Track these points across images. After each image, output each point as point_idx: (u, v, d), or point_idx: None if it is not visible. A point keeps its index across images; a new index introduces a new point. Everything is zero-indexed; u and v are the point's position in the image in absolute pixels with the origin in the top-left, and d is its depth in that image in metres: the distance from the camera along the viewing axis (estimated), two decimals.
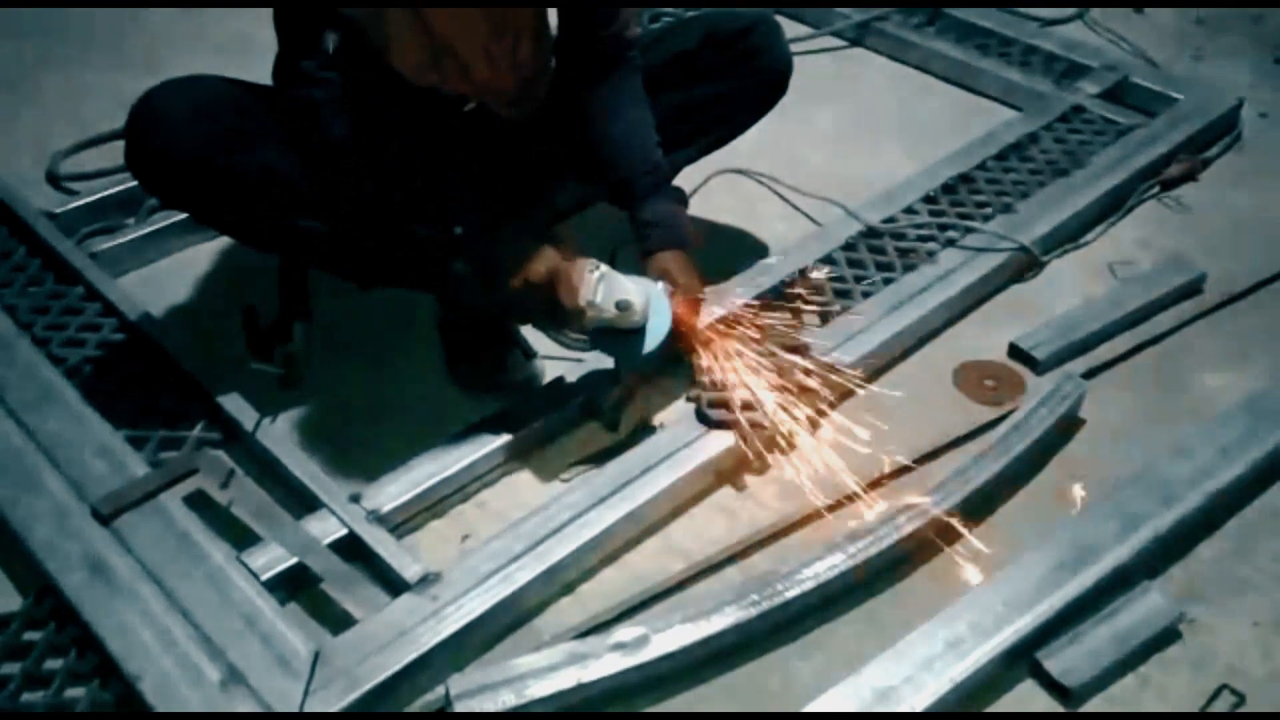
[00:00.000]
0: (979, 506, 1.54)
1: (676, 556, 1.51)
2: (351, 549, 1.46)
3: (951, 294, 1.86)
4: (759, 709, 1.34)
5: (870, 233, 1.98)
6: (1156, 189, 2.17)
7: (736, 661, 1.38)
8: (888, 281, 1.88)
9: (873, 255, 1.94)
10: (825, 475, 1.56)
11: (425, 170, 1.54)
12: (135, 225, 2.04)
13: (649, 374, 1.71)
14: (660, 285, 1.58)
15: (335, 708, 1.26)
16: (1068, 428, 1.67)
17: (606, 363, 1.66)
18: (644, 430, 1.65)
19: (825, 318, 1.81)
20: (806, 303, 1.82)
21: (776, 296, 1.83)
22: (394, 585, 1.41)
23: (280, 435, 1.62)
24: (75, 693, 1.31)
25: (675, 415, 1.67)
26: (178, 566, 1.40)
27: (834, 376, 1.67)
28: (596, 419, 1.68)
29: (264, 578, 1.40)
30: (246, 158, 1.52)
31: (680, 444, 1.58)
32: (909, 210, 2.03)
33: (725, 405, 1.61)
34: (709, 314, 1.68)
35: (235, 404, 1.62)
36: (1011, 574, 1.41)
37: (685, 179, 1.92)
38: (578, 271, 1.50)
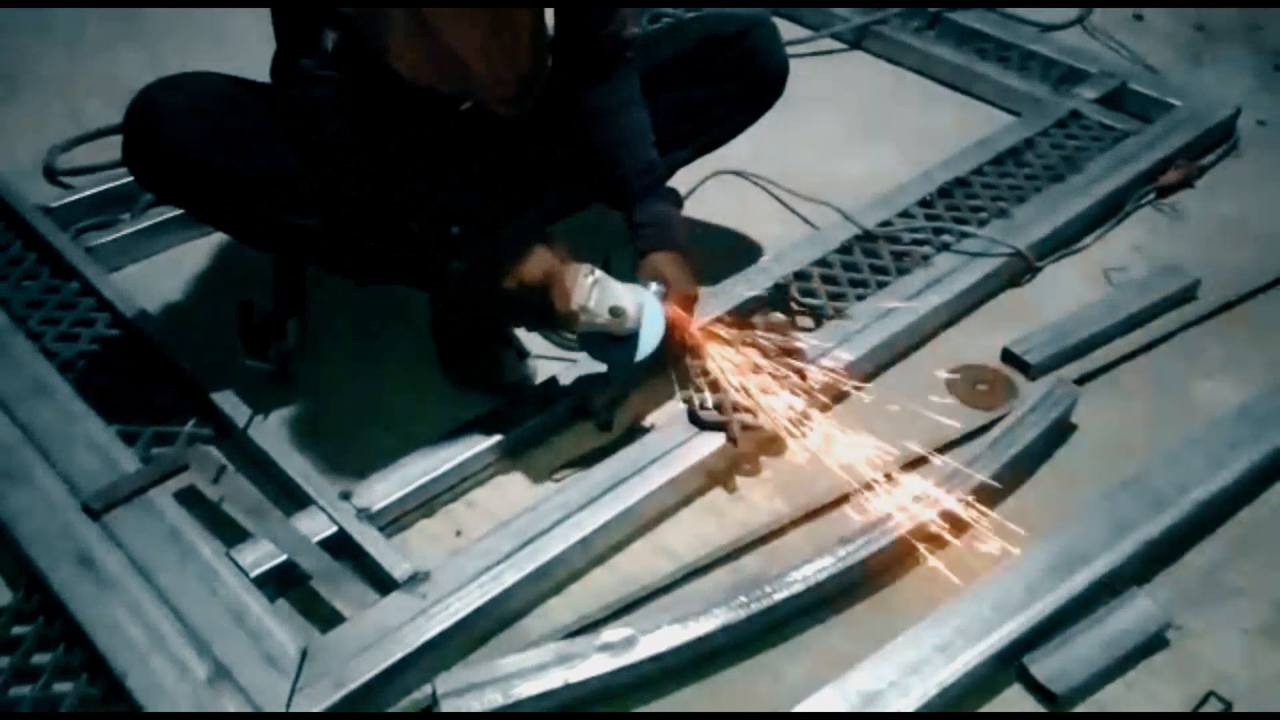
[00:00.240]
0: (968, 512, 1.53)
1: (666, 558, 1.51)
2: (341, 546, 1.46)
3: (946, 298, 1.86)
4: (746, 711, 1.34)
5: (865, 236, 1.98)
6: (1152, 195, 2.17)
7: (724, 663, 1.38)
8: (882, 285, 1.88)
9: (867, 259, 1.94)
10: (816, 478, 1.56)
11: (422, 169, 1.54)
12: (131, 220, 2.04)
13: (642, 376, 1.70)
14: (654, 290, 1.58)
15: (321, 706, 1.26)
16: (1060, 433, 1.67)
17: (600, 364, 1.66)
18: (636, 431, 1.65)
19: (819, 321, 1.81)
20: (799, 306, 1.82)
21: (770, 299, 1.83)
22: (383, 583, 1.42)
23: (272, 432, 1.62)
24: (63, 687, 1.32)
25: (667, 416, 1.67)
26: (167, 562, 1.40)
27: (826, 380, 1.67)
28: (589, 419, 1.68)
29: (253, 574, 1.40)
30: (244, 155, 1.52)
31: (672, 445, 1.58)
32: (905, 214, 2.03)
33: (717, 407, 1.61)
34: (702, 315, 1.68)
35: (228, 400, 1.63)
36: (1000, 578, 1.41)
37: (681, 180, 1.93)
38: (572, 275, 1.50)
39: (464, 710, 1.27)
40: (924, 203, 2.06)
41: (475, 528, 1.53)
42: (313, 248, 1.64)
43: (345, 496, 1.50)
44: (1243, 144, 2.34)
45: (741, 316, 1.77)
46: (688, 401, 1.63)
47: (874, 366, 1.78)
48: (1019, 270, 1.97)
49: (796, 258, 1.93)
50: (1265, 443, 1.60)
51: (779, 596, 1.39)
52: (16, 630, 1.37)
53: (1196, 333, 1.87)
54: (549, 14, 1.57)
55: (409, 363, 1.78)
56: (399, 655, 1.32)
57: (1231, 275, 1.96)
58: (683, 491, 1.57)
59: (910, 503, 1.50)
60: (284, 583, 1.44)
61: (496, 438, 1.60)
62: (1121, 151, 2.21)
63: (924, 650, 1.33)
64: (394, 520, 1.53)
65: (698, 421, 1.61)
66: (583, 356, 1.70)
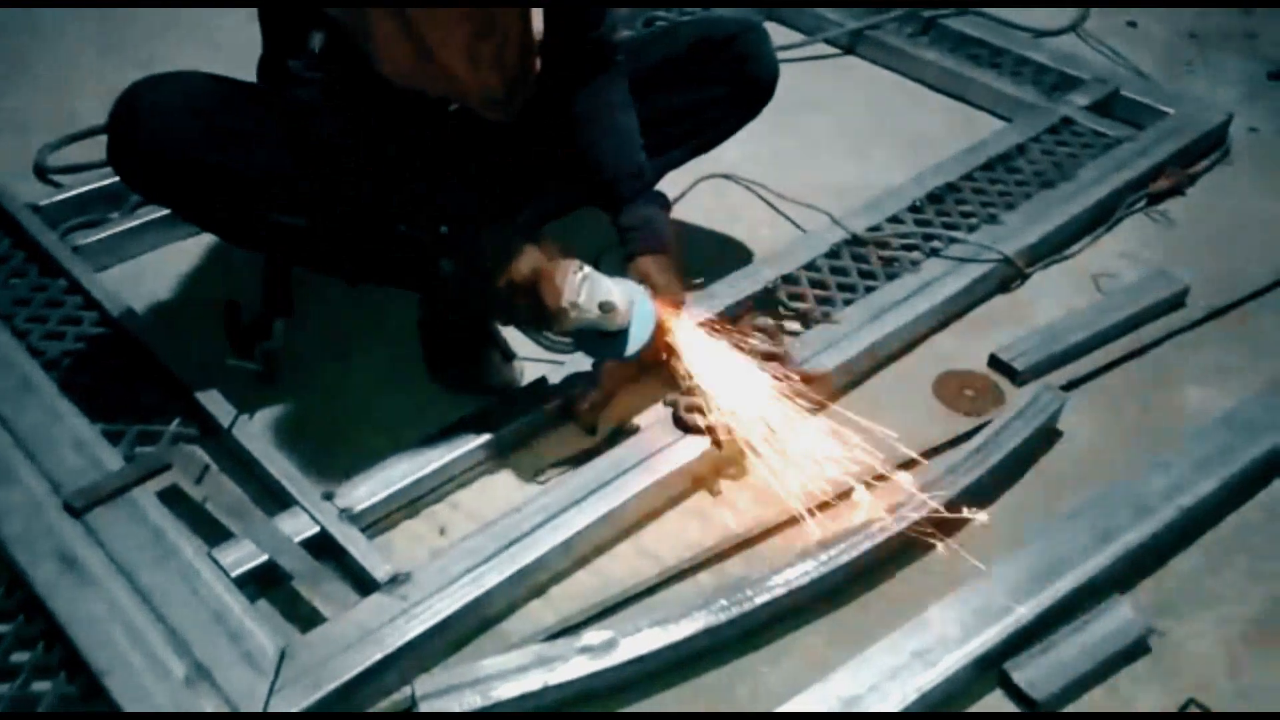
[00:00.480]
0: (953, 517, 1.53)
1: (649, 560, 1.51)
2: (323, 547, 1.46)
3: (934, 303, 1.86)
4: (727, 712, 1.34)
5: (854, 241, 1.98)
6: (1143, 202, 2.17)
7: (704, 667, 1.38)
8: (870, 290, 1.88)
9: (856, 263, 1.94)
10: (800, 482, 1.55)
11: (411, 170, 1.54)
12: (120, 219, 2.04)
13: (627, 377, 1.70)
14: (643, 288, 1.58)
15: (299, 706, 1.26)
16: (1046, 439, 1.67)
17: (586, 365, 1.66)
18: (621, 433, 1.65)
19: (806, 324, 1.81)
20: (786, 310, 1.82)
21: (758, 303, 1.83)
22: (364, 584, 1.41)
23: (256, 432, 1.62)
24: (41, 686, 1.31)
25: (652, 419, 1.67)
26: (148, 561, 1.40)
27: (812, 384, 1.67)
28: (574, 421, 1.68)
29: (234, 574, 1.40)
30: (229, 155, 1.52)
31: (656, 448, 1.58)
32: (894, 219, 2.03)
33: (702, 410, 1.61)
34: (689, 319, 1.68)
35: (213, 400, 1.62)
36: (982, 584, 1.41)
37: (671, 183, 1.93)
38: (561, 272, 1.50)
39: (443, 711, 1.26)
40: (914, 208, 2.06)
41: (459, 529, 1.53)
42: (299, 247, 1.64)
43: (328, 497, 1.50)
44: (1234, 151, 2.34)
45: (729, 320, 1.76)
46: (672, 405, 1.63)
47: (861, 371, 1.78)
48: (1008, 276, 1.97)
49: (785, 262, 1.93)
50: (1250, 450, 1.60)
51: (760, 600, 1.39)
52: None
53: (1185, 340, 1.87)
54: (538, 17, 1.57)
55: (395, 364, 1.77)
56: (378, 656, 1.32)
57: (1221, 282, 1.97)
58: (666, 494, 1.57)
59: (894, 507, 1.50)
60: (265, 583, 1.44)
61: (481, 439, 1.60)
62: (1113, 158, 2.21)
63: (903, 656, 1.33)
64: (377, 521, 1.53)
65: (682, 425, 1.60)
66: (569, 358, 1.70)
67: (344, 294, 1.76)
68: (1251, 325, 1.91)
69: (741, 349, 1.67)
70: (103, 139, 1.55)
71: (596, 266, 1.55)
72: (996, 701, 1.35)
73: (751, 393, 1.60)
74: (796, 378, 1.65)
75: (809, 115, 2.42)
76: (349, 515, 1.48)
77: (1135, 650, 1.39)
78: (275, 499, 1.52)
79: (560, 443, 1.66)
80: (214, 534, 1.46)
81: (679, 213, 1.99)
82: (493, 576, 1.41)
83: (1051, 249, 2.04)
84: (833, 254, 1.96)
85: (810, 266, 1.92)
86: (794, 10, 2.76)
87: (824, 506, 1.53)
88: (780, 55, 1.90)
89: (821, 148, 2.36)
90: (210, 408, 1.61)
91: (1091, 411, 1.72)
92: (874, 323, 1.81)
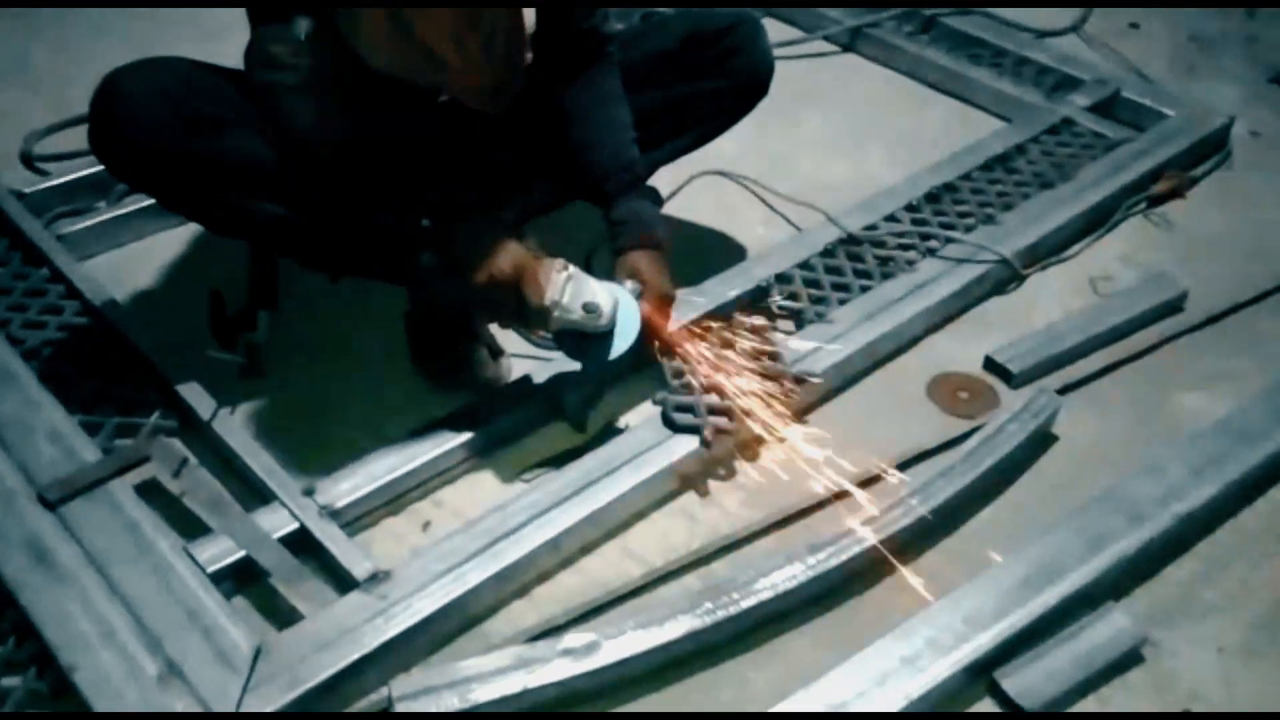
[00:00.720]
0: (946, 520, 1.51)
1: (635, 562, 1.48)
2: (302, 544, 1.43)
3: (929, 304, 1.83)
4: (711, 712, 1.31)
5: (850, 240, 1.95)
6: (1143, 205, 2.15)
7: (689, 671, 1.35)
8: (865, 289, 1.85)
9: (851, 262, 1.91)
10: (790, 483, 1.53)
11: (395, 161, 1.51)
12: (106, 208, 2.01)
13: (617, 375, 1.68)
14: (630, 288, 1.56)
15: (273, 706, 1.23)
16: (1040, 443, 1.64)
17: (574, 362, 1.63)
18: (609, 432, 1.62)
19: (800, 324, 1.78)
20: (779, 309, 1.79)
21: (751, 301, 1.80)
22: (343, 582, 1.39)
23: (237, 425, 1.59)
24: (10, 681, 1.28)
25: (641, 418, 1.64)
26: (123, 556, 1.37)
27: (804, 384, 1.64)
28: (562, 418, 1.65)
29: (210, 570, 1.37)
30: (213, 142, 1.49)
31: (644, 447, 1.55)
32: (891, 218, 2.01)
33: (691, 409, 1.58)
34: (680, 316, 1.66)
35: (193, 392, 1.60)
36: (973, 590, 1.38)
37: (665, 178, 1.90)
38: (545, 270, 1.48)
39: (420, 712, 1.24)
40: (911, 207, 2.04)
41: (442, 526, 1.51)
42: (280, 238, 1.61)
43: (309, 493, 1.47)
44: (1235, 155, 2.31)
45: (721, 318, 1.74)
46: (661, 403, 1.60)
47: (854, 371, 1.75)
48: (1005, 277, 1.95)
49: (779, 260, 1.90)
50: (1247, 457, 1.57)
51: (746, 604, 1.36)
52: None
53: (1182, 345, 1.85)
54: (529, 8, 1.54)
55: (380, 358, 1.75)
56: (355, 656, 1.29)
57: (1220, 287, 1.94)
58: (654, 495, 1.54)
59: (884, 511, 1.47)
60: (242, 579, 1.41)
61: (467, 436, 1.58)
62: (1113, 160, 2.18)
63: (892, 661, 1.30)
64: (359, 518, 1.50)
65: (671, 424, 1.58)
66: (558, 355, 1.67)
67: (329, 286, 1.73)
68: (1250, 330, 1.88)
69: (733, 348, 1.65)
70: None
71: (588, 265, 1.52)
72: (986, 709, 1.33)
73: (745, 391, 1.57)
74: (788, 378, 1.63)
75: (806, 112, 2.40)
76: (329, 511, 1.45)
77: (1128, 660, 1.36)
78: (255, 494, 1.50)
79: (547, 440, 1.63)
80: (191, 529, 1.43)
81: (672, 209, 1.96)
82: (475, 576, 1.38)
83: (1049, 250, 2.01)
84: (828, 253, 1.93)
85: (805, 265, 1.90)
86: (793, 7, 2.73)
87: (814, 508, 1.51)
88: (779, 52, 1.88)
89: (818, 145, 2.34)
90: (191, 400, 1.59)
91: (1087, 416, 1.70)
92: (868, 323, 1.78)
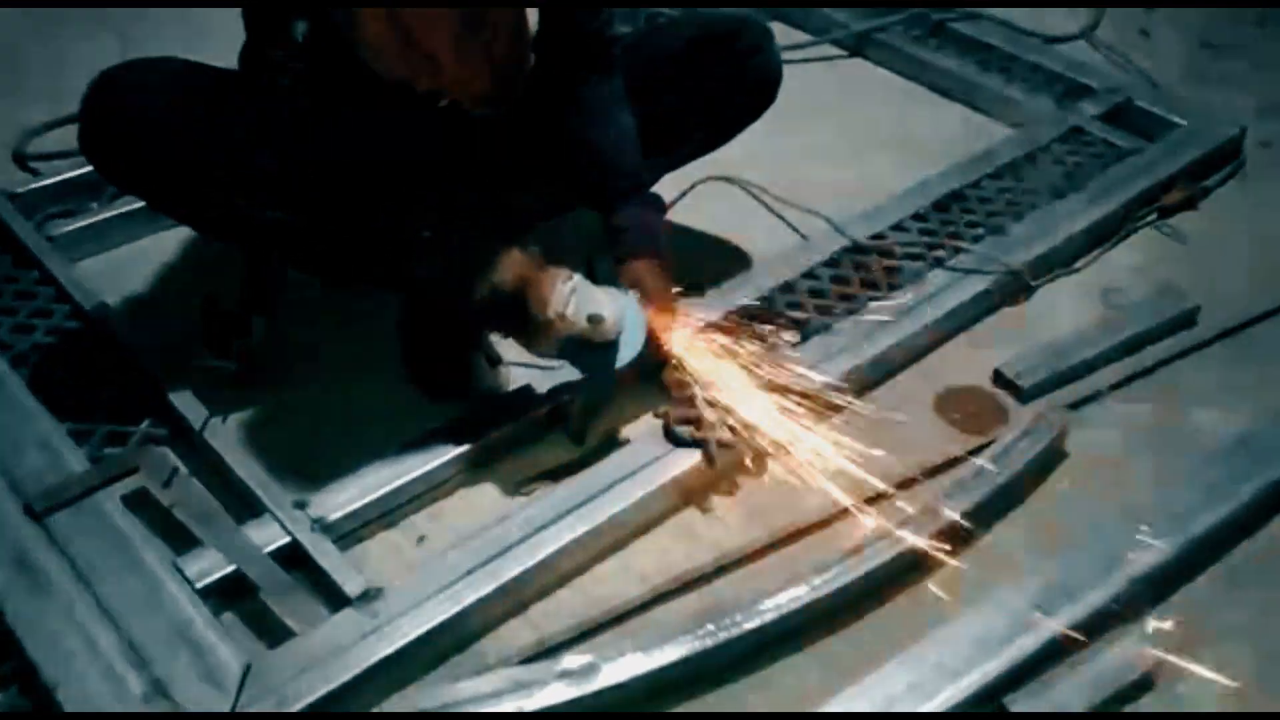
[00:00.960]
0: (953, 540, 1.47)
1: (634, 579, 1.44)
2: (294, 558, 1.40)
3: (937, 316, 1.79)
4: None
5: (856, 248, 1.92)
6: (1154, 216, 2.11)
7: (689, 695, 1.31)
8: (871, 300, 1.82)
9: (857, 272, 1.88)
10: (794, 500, 1.49)
11: (394, 167, 1.48)
12: (99, 209, 1.98)
13: (618, 386, 1.64)
14: (634, 297, 1.52)
15: None
16: (1051, 461, 1.60)
17: (575, 371, 1.60)
18: (609, 445, 1.59)
19: (804, 335, 1.75)
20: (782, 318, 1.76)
21: (755, 310, 1.77)
22: (335, 599, 1.35)
23: (229, 435, 1.56)
24: None
25: (642, 431, 1.61)
26: (110, 569, 1.34)
27: (808, 397, 1.61)
28: (561, 430, 1.62)
29: (199, 585, 1.34)
30: (206, 144, 1.46)
31: (645, 461, 1.52)
32: (898, 227, 1.97)
33: (694, 422, 1.55)
34: (682, 326, 1.62)
35: (185, 400, 1.57)
36: (982, 613, 1.35)
37: (670, 185, 1.87)
38: (549, 281, 1.44)
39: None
40: (918, 216, 2.00)
41: (438, 541, 1.47)
42: (274, 243, 1.58)
43: (301, 505, 1.44)
44: (1247, 166, 2.28)
45: (724, 328, 1.70)
46: (663, 416, 1.57)
47: (860, 385, 1.71)
48: (1014, 289, 1.91)
49: (784, 269, 1.86)
50: (1263, 476, 1.53)
51: (749, 626, 1.33)
52: None
53: (1195, 359, 1.81)
54: (531, 10, 1.51)
55: (376, 367, 1.71)
56: (347, 676, 1.26)
57: (1233, 300, 1.90)
58: (654, 510, 1.51)
59: (891, 530, 1.44)
60: (232, 595, 1.37)
61: (464, 447, 1.54)
62: (1123, 169, 2.14)
63: (899, 687, 1.27)
64: (352, 531, 1.47)
65: (673, 437, 1.54)
66: (557, 364, 1.64)
67: (324, 292, 1.70)
68: (1264, 345, 1.84)
69: (736, 359, 1.61)
70: None
71: (589, 269, 1.49)
72: None
73: (746, 405, 1.54)
74: (794, 390, 1.60)
75: (812, 117, 2.36)
76: (322, 525, 1.42)
77: (1141, 686, 1.33)
78: (246, 506, 1.46)
79: (546, 453, 1.60)
80: (180, 541, 1.40)
81: (676, 215, 1.93)
82: (470, 594, 1.35)
83: (1060, 262, 1.97)
84: (833, 262, 1.89)
85: (810, 274, 1.86)
86: (800, 10, 2.70)
87: (819, 527, 1.47)
88: (785, 56, 1.85)
89: (824, 151, 2.30)
90: (182, 408, 1.56)
91: (1099, 432, 1.66)
92: (875, 335, 1.75)
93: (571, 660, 1.28)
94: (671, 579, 1.43)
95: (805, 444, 1.56)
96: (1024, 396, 1.71)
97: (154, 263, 1.93)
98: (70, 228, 1.93)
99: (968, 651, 1.30)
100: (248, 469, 1.48)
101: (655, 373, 1.61)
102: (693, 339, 1.61)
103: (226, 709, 1.21)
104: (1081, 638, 1.33)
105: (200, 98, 1.47)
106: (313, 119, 1.46)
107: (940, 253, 1.91)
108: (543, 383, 1.64)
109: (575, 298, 1.44)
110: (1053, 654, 1.32)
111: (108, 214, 1.96)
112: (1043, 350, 1.77)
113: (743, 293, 1.80)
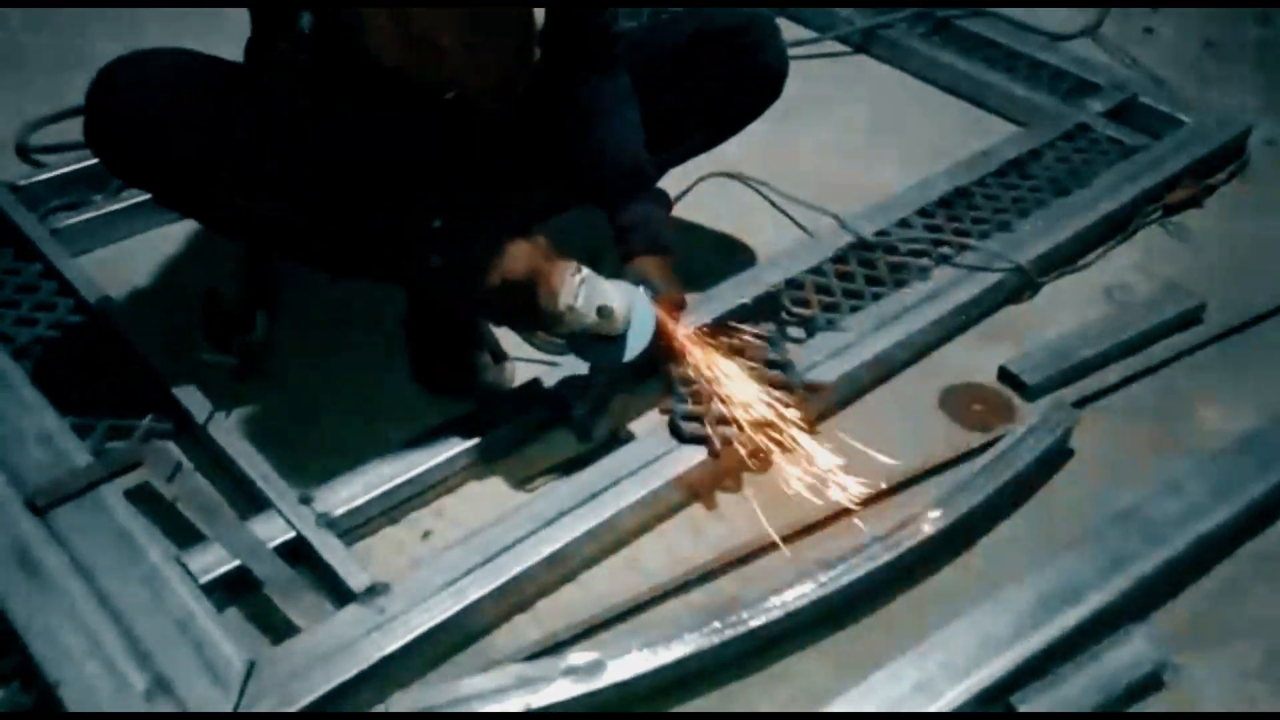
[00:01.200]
0: (958, 538, 1.47)
1: (640, 576, 1.44)
2: (298, 553, 1.39)
3: (942, 313, 1.79)
4: None
5: (862, 245, 1.91)
6: (1159, 213, 2.11)
7: (695, 692, 1.31)
8: (877, 297, 1.81)
9: (863, 269, 1.87)
10: (800, 497, 1.49)
11: (401, 159, 1.47)
12: (102, 202, 1.97)
13: (624, 382, 1.63)
14: (643, 291, 1.52)
15: None
16: (1056, 459, 1.60)
17: (581, 367, 1.59)
18: (615, 441, 1.58)
19: (810, 332, 1.74)
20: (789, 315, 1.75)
21: (761, 307, 1.76)
22: (340, 594, 1.34)
23: (233, 429, 1.55)
24: None
25: (648, 427, 1.60)
26: (112, 564, 1.33)
27: (816, 392, 1.60)
28: (567, 426, 1.61)
29: (203, 580, 1.33)
30: (211, 137, 1.45)
31: (651, 457, 1.51)
32: (903, 223, 1.96)
33: (700, 419, 1.54)
34: (689, 322, 1.62)
35: (189, 394, 1.56)
36: (988, 612, 1.34)
37: (675, 181, 1.86)
38: (558, 273, 1.43)
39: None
40: (924, 212, 1.99)
41: (443, 536, 1.47)
42: (280, 236, 1.57)
43: (306, 500, 1.43)
44: (1252, 164, 2.27)
45: (730, 324, 1.69)
46: (669, 412, 1.56)
47: (866, 381, 1.71)
48: (1019, 286, 1.90)
49: (790, 265, 1.86)
50: (1271, 475, 1.53)
51: (755, 623, 1.32)
52: None
53: (1201, 357, 1.80)
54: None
55: (380, 362, 1.70)
56: (352, 672, 1.25)
57: (1237, 298, 1.89)
58: (660, 507, 1.50)
59: (897, 527, 1.43)
60: (235, 590, 1.37)
61: (469, 443, 1.53)
62: (1129, 167, 2.14)
63: (905, 686, 1.26)
64: (357, 527, 1.46)
65: (679, 434, 1.54)
66: (564, 361, 1.63)
67: (328, 286, 1.69)
68: (1270, 343, 1.84)
69: (742, 356, 1.60)
70: None
71: (594, 263, 1.48)
72: None
73: (752, 402, 1.53)
74: (799, 387, 1.59)
75: (818, 114, 2.35)
76: (327, 520, 1.41)
77: (1148, 685, 1.32)
78: (250, 500, 1.45)
79: (552, 448, 1.59)
80: (184, 536, 1.39)
81: (681, 211, 1.92)
82: (475, 590, 1.34)
83: (1064, 259, 1.97)
84: (839, 259, 1.89)
85: (816, 271, 1.85)
86: (806, 8, 2.69)
87: (825, 523, 1.47)
88: (791, 52, 1.84)
89: (830, 148, 2.29)
90: (186, 402, 1.54)
91: (1104, 430, 1.66)
92: (880, 331, 1.74)
93: (577, 657, 1.27)
94: (677, 575, 1.42)
95: (810, 440, 1.55)
96: (1029, 394, 1.71)
97: (157, 256, 1.92)
98: (74, 221, 1.92)
99: (974, 650, 1.30)
100: (252, 463, 1.47)
101: (661, 368, 1.60)
102: (700, 335, 1.60)
103: (230, 706, 1.20)
104: (1089, 636, 1.33)
105: (202, 95, 1.46)
106: (314, 118, 1.45)
107: (946, 250, 1.91)
108: (548, 378, 1.63)
109: (585, 290, 1.43)
110: (1060, 653, 1.32)
111: (111, 207, 1.95)
112: (1048, 347, 1.77)
113: (749, 289, 1.79)
